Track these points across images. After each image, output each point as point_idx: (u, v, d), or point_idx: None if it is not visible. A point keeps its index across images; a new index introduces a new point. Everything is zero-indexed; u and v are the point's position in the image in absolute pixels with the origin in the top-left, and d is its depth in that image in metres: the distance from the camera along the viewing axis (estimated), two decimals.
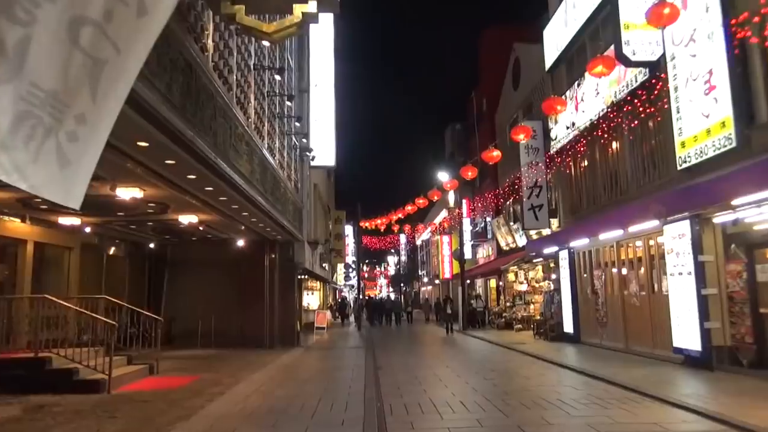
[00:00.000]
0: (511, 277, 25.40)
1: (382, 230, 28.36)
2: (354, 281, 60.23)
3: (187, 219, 11.92)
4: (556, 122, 17.38)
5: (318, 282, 31.07)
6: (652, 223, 11.51)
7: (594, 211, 15.33)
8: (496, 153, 12.98)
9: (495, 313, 26.34)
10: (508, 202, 25.36)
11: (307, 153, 17.13)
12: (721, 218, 10.19)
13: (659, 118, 11.99)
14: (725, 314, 10.26)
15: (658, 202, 9.86)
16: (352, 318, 38.59)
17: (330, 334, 24.92)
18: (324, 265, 28.81)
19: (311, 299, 30.26)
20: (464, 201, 29.60)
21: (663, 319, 12.00)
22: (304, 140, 17.04)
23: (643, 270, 13.06)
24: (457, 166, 23.65)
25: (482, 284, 31.70)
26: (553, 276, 18.69)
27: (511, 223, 24.11)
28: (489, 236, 30.13)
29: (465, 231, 29.91)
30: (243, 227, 14.70)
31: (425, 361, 13.59)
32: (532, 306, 23.01)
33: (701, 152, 10.05)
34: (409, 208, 19.93)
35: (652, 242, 12.61)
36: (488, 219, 30.14)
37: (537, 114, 19.63)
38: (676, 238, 10.90)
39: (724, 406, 7.05)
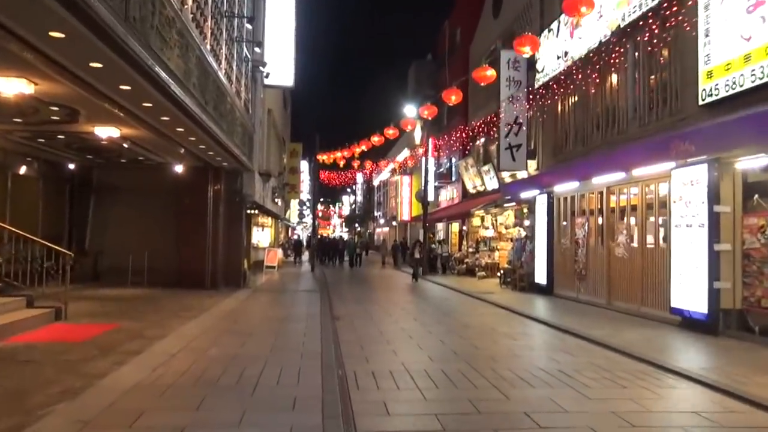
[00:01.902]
0: (476, 221, 24.06)
1: (340, 165, 26.31)
2: (308, 219, 58.39)
3: (105, 132, 9.61)
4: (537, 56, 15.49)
5: (269, 218, 29.01)
6: (660, 167, 10.01)
7: (583, 152, 13.76)
8: (490, 72, 10.90)
9: (456, 258, 25.12)
10: (478, 142, 23.69)
11: (261, 68, 14.72)
12: (746, 163, 8.74)
13: (676, 45, 10.29)
14: (738, 274, 8.99)
15: (683, 139, 8.27)
16: (305, 257, 36.94)
17: (281, 274, 23.17)
18: (277, 200, 26.70)
19: (262, 236, 28.27)
20: (430, 140, 27.72)
21: (657, 276, 10.75)
22: (257, 50, 14.57)
23: (635, 220, 11.68)
24: (424, 102, 21.62)
25: (443, 228, 30.39)
26: (527, 222, 17.33)
27: (481, 165, 22.49)
28: (454, 178, 28.58)
29: (429, 171, 28.17)
30: (182, 150, 12.44)
31: (388, 312, 12.03)
32: (497, 253, 21.81)
33: (734, 83, 8.43)
34: (374, 140, 17.84)
35: (650, 189, 11.18)
36: (454, 160, 28.49)
37: None
38: (687, 184, 9.43)
39: None
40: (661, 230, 11.00)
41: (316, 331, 8.82)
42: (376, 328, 9.59)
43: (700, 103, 9.19)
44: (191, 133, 10.15)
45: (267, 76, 15.62)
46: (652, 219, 11.33)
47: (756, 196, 8.70)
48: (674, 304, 9.85)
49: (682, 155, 8.43)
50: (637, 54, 11.42)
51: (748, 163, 8.71)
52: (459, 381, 5.97)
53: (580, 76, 13.43)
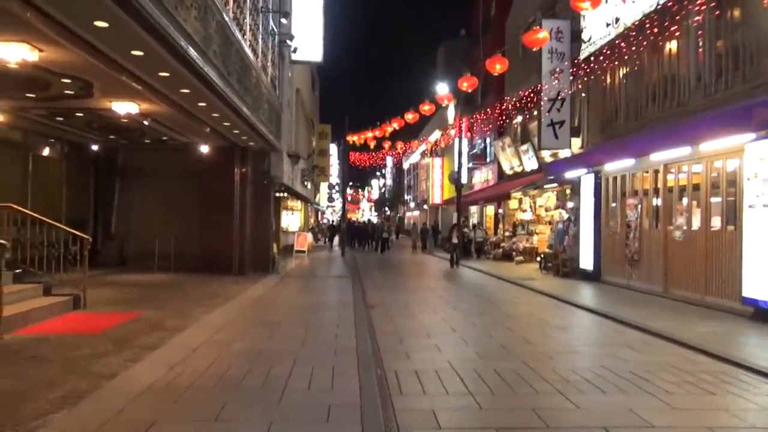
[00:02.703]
0: (513, 204, 23.01)
1: (371, 147, 25.50)
2: (337, 203, 57.89)
3: (123, 108, 8.97)
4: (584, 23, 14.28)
5: (299, 201, 28.48)
6: (730, 140, 8.92)
7: (636, 127, 12.64)
8: (543, 34, 9.70)
9: (492, 243, 24.14)
10: (515, 120, 22.55)
11: (288, 42, 13.93)
12: None
13: (751, 3, 9.10)
14: None
15: (765, 105, 7.20)
16: (335, 242, 36.42)
17: (311, 259, 22.60)
18: (306, 183, 26.09)
19: (291, 220, 27.79)
20: (464, 119, 26.61)
21: (725, 262, 9.68)
22: (284, 21, 13.77)
23: (698, 200, 10.58)
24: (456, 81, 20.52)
25: (478, 211, 29.38)
26: (570, 204, 16.26)
27: (519, 144, 21.38)
28: (489, 159, 27.50)
29: (462, 152, 27.10)
30: (207, 129, 11.81)
31: (425, 300, 11.26)
32: (535, 237, 20.78)
33: None
34: (407, 117, 16.90)
35: (716, 165, 10.07)
36: (489, 140, 27.38)
37: (563, 13, 16.46)
38: (765, 159, 8.33)
39: None
40: (727, 211, 9.91)
41: (349, 322, 8.11)
42: (415, 318, 8.83)
43: None
44: (214, 108, 9.46)
45: (294, 51, 14.84)
46: (717, 199, 10.23)
47: None
48: (747, 293, 8.81)
49: (765, 124, 7.35)
50: (701, 16, 10.23)
51: None
52: (516, 384, 5.16)
53: (633, 45, 12.27)
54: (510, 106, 20.87)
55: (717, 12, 9.80)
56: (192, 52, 6.69)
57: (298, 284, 13.47)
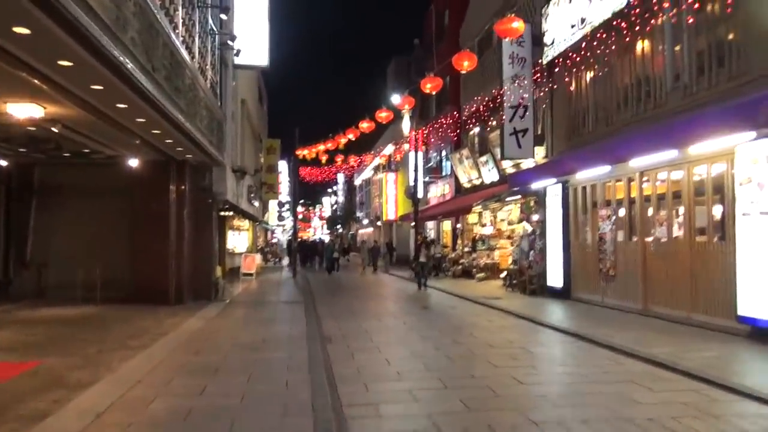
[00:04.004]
0: (472, 218, 22.13)
1: (322, 161, 24.16)
2: (288, 222, 55.95)
3: (23, 110, 7.39)
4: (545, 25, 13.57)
5: (246, 221, 26.76)
6: (719, 143, 8.14)
7: (607, 133, 11.89)
8: (517, 24, 8.51)
9: (451, 259, 23.16)
10: (473, 131, 21.79)
11: (230, 42, 12.54)
12: None
13: None
14: None
15: None
16: (285, 262, 34.71)
17: (259, 282, 20.97)
18: (253, 201, 24.46)
19: (238, 240, 26.01)
20: (419, 132, 25.73)
21: (714, 276, 8.88)
22: (223, 17, 12.38)
23: (681, 209, 9.81)
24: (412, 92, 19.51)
25: (434, 227, 28.43)
26: (535, 217, 15.42)
27: (478, 156, 20.56)
28: (445, 173, 26.67)
29: (418, 165, 26.15)
30: (137, 140, 10.29)
31: (389, 328, 10.01)
32: (497, 252, 19.93)
33: None
34: (362, 126, 15.71)
35: (701, 170, 9.31)
36: (444, 153, 26.59)
37: (525, 14, 15.74)
38: (760, 161, 7.57)
39: None
40: (717, 219, 9.17)
41: (302, 363, 6.75)
42: (380, 353, 7.55)
43: None
44: (138, 111, 7.99)
45: (237, 54, 13.45)
46: (702, 207, 9.49)
47: None
48: (743, 311, 7.98)
49: None
50: (679, 10, 9.54)
51: None
52: None
53: (601, 46, 11.57)
54: (467, 116, 20.11)
55: (697, 5, 9.11)
56: (96, 32, 5.29)
57: (243, 313, 11.96)
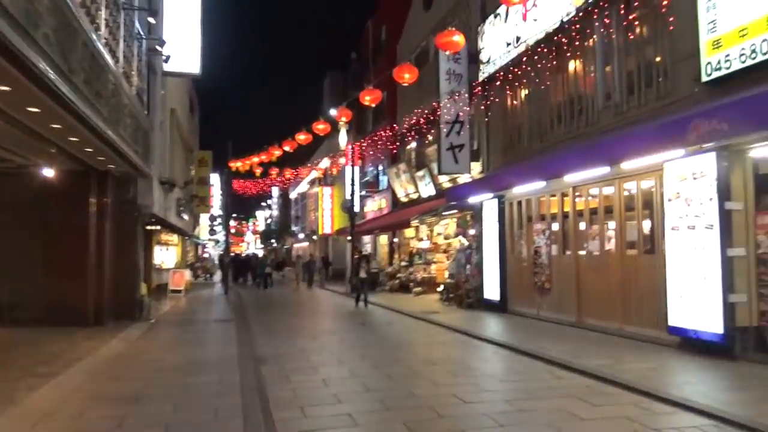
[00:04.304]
0: (409, 232, 22.13)
1: (257, 174, 23.48)
2: (220, 236, 54.26)
3: None
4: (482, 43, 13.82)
5: (175, 235, 25.60)
6: (648, 160, 8.40)
7: (542, 149, 12.13)
8: (458, 38, 8.55)
9: (388, 274, 23.03)
10: (410, 146, 21.87)
11: (159, 48, 11.90)
12: (761, 151, 7.27)
13: (663, 15, 8.80)
14: (753, 284, 7.47)
15: (708, 117, 6.60)
16: (216, 278, 33.51)
17: (189, 299, 20.01)
18: (183, 214, 23.43)
19: (166, 256, 24.80)
20: (356, 146, 25.58)
21: (644, 288, 9.15)
22: (152, 20, 11.73)
23: (612, 223, 10.07)
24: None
25: (371, 241, 28.26)
26: (472, 231, 15.53)
27: (415, 170, 20.61)
28: (382, 187, 26.62)
29: (355, 179, 25.94)
30: (53, 148, 9.48)
31: (326, 346, 9.65)
32: (434, 266, 19.97)
33: (754, 51, 6.93)
34: (299, 138, 15.29)
35: (630, 186, 9.62)
36: (381, 168, 26.56)
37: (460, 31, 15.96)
38: (688, 178, 7.86)
39: None
40: (646, 233, 9.47)
41: (234, 387, 6.30)
42: (317, 374, 7.19)
43: (704, 79, 7.67)
44: (52, 116, 7.32)
45: (167, 60, 12.79)
46: (632, 222, 9.78)
47: None
48: (673, 322, 8.22)
49: (705, 138, 6.77)
50: (609, 31, 9.88)
51: (765, 150, 7.23)
52: None
53: (536, 64, 11.83)
54: (404, 131, 20.15)
55: (626, 24, 9.45)
56: (3, 26, 4.74)
57: (170, 334, 11.24)
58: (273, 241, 68.98)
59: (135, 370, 7.47)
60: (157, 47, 11.86)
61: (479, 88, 14.47)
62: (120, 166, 11.61)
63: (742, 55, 7.08)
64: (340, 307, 17.26)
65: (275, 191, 67.92)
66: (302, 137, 14.88)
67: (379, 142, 21.41)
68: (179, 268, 24.04)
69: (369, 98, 10.95)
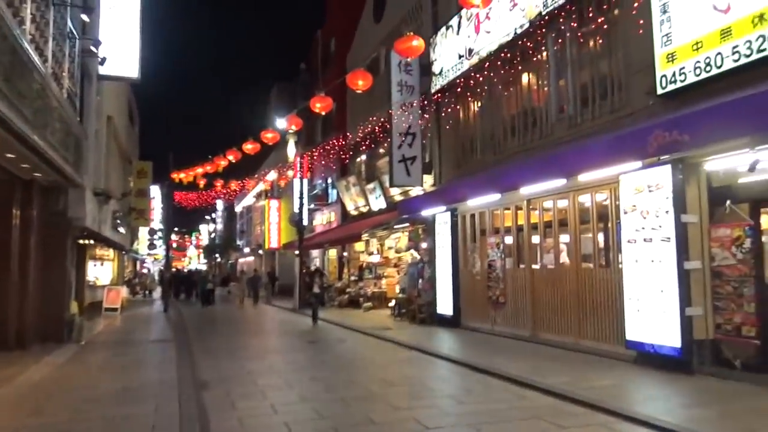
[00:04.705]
0: (359, 246, 21.70)
1: (200, 185, 22.50)
2: (160, 250, 52.16)
3: None
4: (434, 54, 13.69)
5: (111, 250, 24.20)
6: (605, 172, 8.36)
7: (495, 161, 12.02)
8: (417, 42, 8.22)
9: (337, 288, 22.48)
10: (360, 158, 21.54)
11: (93, 49, 11.08)
12: (715, 164, 7.31)
13: (617, 28, 8.85)
14: (708, 297, 7.47)
15: (667, 128, 6.53)
16: (156, 294, 31.95)
17: (125, 318, 18.81)
18: (120, 228, 22.16)
19: (101, 272, 23.38)
20: (304, 158, 25.02)
21: (600, 302, 9.07)
22: (85, 18, 10.92)
23: (569, 236, 9.99)
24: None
25: (319, 255, 27.64)
26: (424, 245, 15.28)
27: (365, 183, 20.26)
28: (330, 200, 26.13)
29: (303, 192, 25.31)
30: None
31: (274, 367, 9.06)
32: (384, 281, 19.61)
33: (709, 64, 6.97)
34: (246, 147, 14.60)
35: (585, 199, 9.58)
36: (330, 180, 26.09)
37: None
38: (644, 191, 7.84)
39: None
40: (601, 246, 9.43)
41: (172, 417, 5.68)
42: (265, 399, 6.63)
43: (660, 92, 7.68)
44: None
45: (102, 63, 11.95)
46: (587, 235, 9.74)
47: (728, 202, 7.25)
48: (630, 336, 8.13)
49: (666, 149, 6.70)
50: (563, 44, 9.88)
51: (718, 163, 7.28)
52: None
53: (489, 76, 11.75)
54: (354, 143, 19.82)
55: (580, 37, 9.46)
56: None
57: (102, 357, 10.35)
58: (217, 255, 66.95)
59: (60, 400, 6.68)
60: (92, 48, 11.04)
61: (432, 99, 14.31)
62: (48, 174, 10.70)
63: (696, 68, 7.12)
64: (289, 324, 16.60)
65: (220, 204, 66.21)
66: (249, 147, 14.25)
67: (329, 154, 20.96)
68: (115, 285, 22.68)
69: (320, 105, 10.55)
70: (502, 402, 6.34)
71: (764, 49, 6.30)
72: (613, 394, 6.40)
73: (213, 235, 77.30)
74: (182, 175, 20.85)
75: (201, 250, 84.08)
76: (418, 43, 8.35)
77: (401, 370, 8.48)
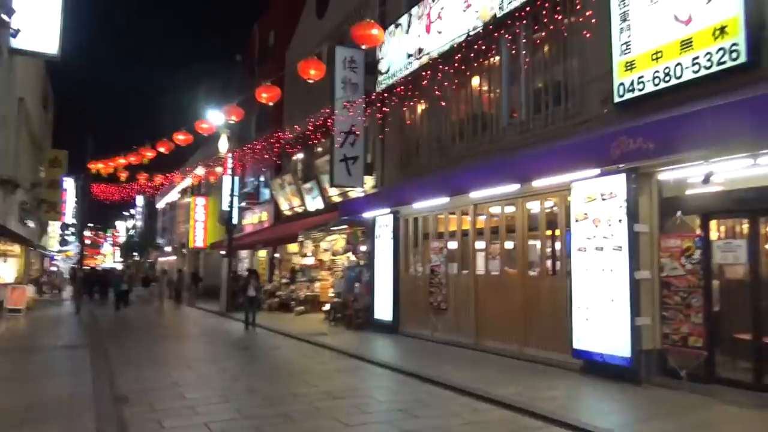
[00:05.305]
0: (292, 248, 20.92)
1: (121, 178, 20.87)
2: (73, 247, 48.82)
3: None
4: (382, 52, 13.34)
5: (17, 245, 22.05)
6: (557, 179, 8.23)
7: (442, 164, 11.76)
8: (377, 30, 7.70)
9: (267, 291, 21.55)
10: (296, 157, 20.81)
11: (5, 18, 9.81)
12: (668, 174, 7.33)
13: (575, 35, 8.78)
14: (657, 306, 7.47)
15: (631, 135, 6.41)
16: (65, 294, 29.57)
17: (31, 320, 17.05)
18: (28, 221, 20.23)
19: (4, 269, 21.25)
20: (236, 154, 23.92)
21: (546, 310, 8.96)
22: None
23: (516, 242, 9.84)
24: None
25: (248, 256, 26.53)
26: (363, 248, 14.83)
27: (302, 182, 19.56)
28: (263, 199, 25.15)
29: (234, 189, 24.14)
30: None
31: (205, 377, 8.28)
32: (317, 284, 18.97)
33: (668, 74, 6.97)
34: (178, 138, 13.52)
35: (532, 206, 9.47)
36: (263, 178, 25.11)
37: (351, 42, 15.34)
38: (597, 199, 7.77)
39: None
40: (549, 254, 9.35)
41: None
42: (196, 415, 5.91)
43: (617, 100, 7.64)
44: None
45: (15, 35, 10.65)
46: (533, 242, 9.64)
47: (679, 213, 7.29)
48: (578, 345, 8.05)
49: (629, 156, 6.59)
50: (517, 48, 9.75)
51: (671, 173, 7.31)
52: None
53: (438, 77, 11.49)
54: (291, 141, 19.08)
55: (536, 42, 9.35)
56: None
57: (0, 366, 9.12)
58: (135, 254, 63.40)
59: None
60: (3, 17, 9.78)
61: (377, 99, 13.91)
62: None
63: (656, 77, 7.11)
64: (217, 328, 15.63)
65: (140, 200, 62.81)
66: (182, 137, 13.24)
67: (263, 151, 20.07)
68: (20, 284, 20.63)
69: (266, 95, 9.86)
70: (457, 416, 5.97)
71: (724, 62, 6.32)
72: (568, 406, 6.22)
73: (132, 232, 73.29)
74: (101, 166, 19.25)
75: (118, 248, 79.51)
76: (377, 32, 7.92)
77: (344, 381, 7.96)
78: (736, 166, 6.44)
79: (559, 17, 8.82)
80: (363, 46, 12.60)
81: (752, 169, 6.42)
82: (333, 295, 16.40)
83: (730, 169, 6.57)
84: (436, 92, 11.77)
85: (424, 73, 11.87)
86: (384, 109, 13.55)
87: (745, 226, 6.83)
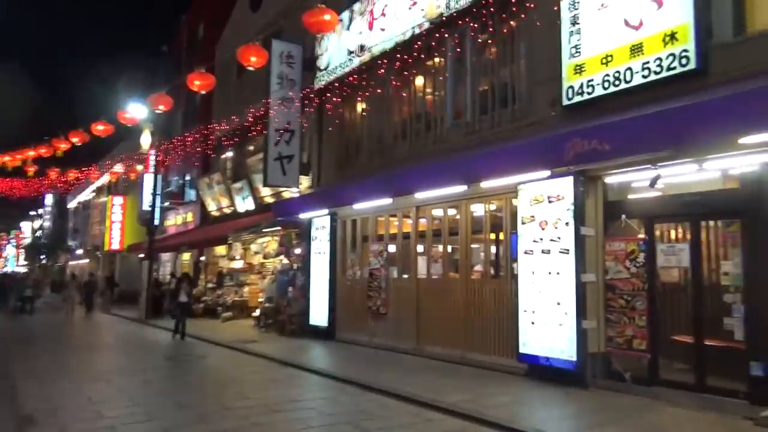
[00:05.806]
0: (219, 250, 19.92)
1: (29, 172, 18.99)
2: None
3: None
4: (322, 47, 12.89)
5: None
6: (502, 181, 8.12)
7: (383, 165, 11.43)
8: (329, 16, 7.23)
9: (193, 296, 20.36)
10: (226, 154, 19.86)
11: None
12: (614, 178, 7.36)
13: (523, 36, 8.72)
14: (601, 310, 7.48)
15: (585, 136, 6.31)
16: None
17: None
18: None
19: None
20: (160, 151, 22.56)
21: (490, 313, 8.82)
22: None
23: (459, 246, 9.65)
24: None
25: (170, 259, 25.08)
26: (297, 250, 14.24)
27: (232, 182, 18.64)
28: (188, 198, 23.87)
29: (157, 188, 22.73)
30: None
31: (125, 391, 7.46)
32: (246, 288, 18.13)
33: (618, 78, 6.98)
34: (97, 128, 12.28)
35: (476, 208, 9.33)
36: (189, 177, 23.85)
37: (289, 36, 14.78)
38: (543, 201, 7.70)
39: None
40: (494, 257, 9.22)
41: None
42: None
43: (565, 103, 7.60)
44: None
45: None
46: (477, 245, 9.50)
47: (624, 216, 7.33)
48: (524, 349, 7.94)
49: (583, 158, 6.50)
50: (463, 48, 9.59)
51: (616, 177, 7.35)
52: None
53: (380, 76, 11.18)
54: (220, 138, 18.17)
55: (481, 42, 9.23)
56: None
57: None
58: (43, 257, 58.91)
59: None
60: None
61: (315, 96, 13.41)
62: None
63: (605, 81, 7.11)
64: (136, 337, 14.50)
65: (49, 198, 58.43)
66: (101, 128, 12.12)
67: (191, 147, 18.98)
68: None
69: (198, 83, 9.13)
70: (409, 427, 5.62)
71: (674, 68, 6.38)
72: (520, 413, 6.06)
73: (38, 234, 68.05)
74: (7, 159, 17.46)
75: (22, 250, 73.67)
76: (330, 17, 7.49)
77: (282, 392, 7.41)
78: (683, 170, 6.53)
79: (508, 19, 8.74)
80: (319, 35, 12.26)
81: (697, 174, 6.53)
82: (263, 300, 15.67)
83: (677, 174, 6.66)
84: (378, 91, 11.45)
85: (365, 71, 11.52)
86: (323, 106, 13.08)
87: (688, 231, 6.93)
